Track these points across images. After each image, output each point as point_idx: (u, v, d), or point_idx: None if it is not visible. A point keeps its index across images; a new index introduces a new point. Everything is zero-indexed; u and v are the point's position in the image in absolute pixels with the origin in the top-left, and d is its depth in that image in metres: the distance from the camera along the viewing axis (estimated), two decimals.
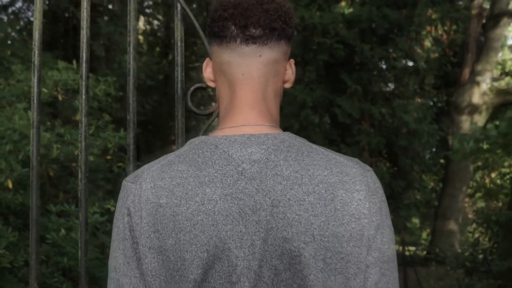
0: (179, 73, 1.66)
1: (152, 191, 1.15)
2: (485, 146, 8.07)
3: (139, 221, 1.14)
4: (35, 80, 1.60)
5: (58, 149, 6.18)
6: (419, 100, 12.17)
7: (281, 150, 1.16)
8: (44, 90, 6.61)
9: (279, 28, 1.22)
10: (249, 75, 1.22)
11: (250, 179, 1.13)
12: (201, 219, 1.11)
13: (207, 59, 1.32)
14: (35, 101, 1.60)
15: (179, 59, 1.66)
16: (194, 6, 12.86)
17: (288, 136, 1.19)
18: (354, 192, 1.14)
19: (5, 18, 12.44)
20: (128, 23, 1.65)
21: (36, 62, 1.60)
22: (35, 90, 1.60)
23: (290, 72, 1.29)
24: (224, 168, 1.14)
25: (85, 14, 1.63)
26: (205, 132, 1.58)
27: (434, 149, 13.64)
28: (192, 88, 1.62)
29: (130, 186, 1.19)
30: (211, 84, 1.31)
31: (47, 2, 11.24)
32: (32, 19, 12.82)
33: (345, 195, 1.13)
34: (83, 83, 1.61)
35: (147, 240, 1.13)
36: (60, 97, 6.82)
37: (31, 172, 1.64)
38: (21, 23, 12.67)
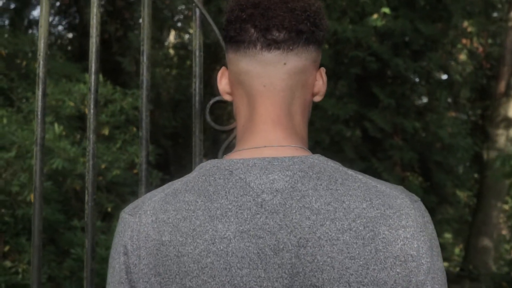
0: (197, 85, 1.51)
1: (153, 226, 0.97)
2: None
3: (137, 261, 0.96)
4: (39, 93, 1.46)
5: (84, 163, 6.13)
6: (453, 114, 11.92)
7: (309, 177, 0.96)
8: (71, 103, 6.57)
9: (308, 31, 1.02)
10: (271, 87, 1.03)
11: (271, 212, 0.94)
12: (211, 262, 0.93)
13: (223, 68, 1.12)
14: (39, 115, 1.47)
15: (197, 69, 1.50)
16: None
17: (319, 160, 0.99)
18: (400, 229, 0.93)
19: (36, 33, 12.54)
20: (142, 30, 1.50)
21: (40, 74, 1.47)
22: (39, 103, 1.46)
23: (320, 82, 1.09)
24: (240, 199, 0.95)
25: (94, 21, 1.49)
26: (225, 151, 1.43)
27: (468, 164, 13.37)
28: (211, 101, 1.46)
29: (128, 219, 1.01)
30: (228, 98, 1.12)
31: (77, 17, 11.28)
32: (62, 33, 12.93)
33: (389, 232, 0.93)
34: (92, 96, 1.46)
35: (146, 285, 0.94)
36: (86, 111, 6.77)
37: (34, 184, 1.50)
38: (52, 37, 12.76)
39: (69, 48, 12.59)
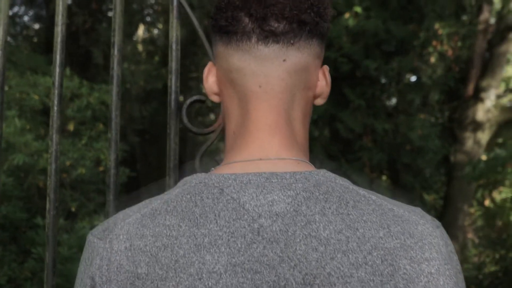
0: (173, 82, 1.36)
1: (127, 254, 0.80)
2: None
3: None
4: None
5: (48, 159, 5.94)
6: (422, 116, 11.94)
7: (316, 198, 0.80)
8: (36, 97, 6.37)
9: (311, 22, 0.86)
10: (268, 87, 0.87)
11: (270, 241, 0.78)
12: None
13: (209, 64, 0.96)
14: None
15: (173, 64, 1.36)
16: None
17: (325, 177, 0.83)
18: (423, 263, 0.78)
19: None
20: (113, 20, 1.36)
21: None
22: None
23: (324, 83, 0.93)
24: (232, 224, 0.79)
25: (60, 7, 1.34)
26: (203, 158, 1.29)
27: (435, 166, 13.40)
28: (188, 101, 1.32)
29: (97, 244, 0.84)
30: (215, 99, 0.95)
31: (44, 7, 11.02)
32: (28, 24, 12.62)
33: (410, 267, 0.77)
34: (56, 91, 1.31)
35: None
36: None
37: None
38: (17, 28, 12.43)
39: (35, 39, 12.30)
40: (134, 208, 0.88)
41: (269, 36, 0.86)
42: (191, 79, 14.16)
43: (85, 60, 10.50)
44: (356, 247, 0.77)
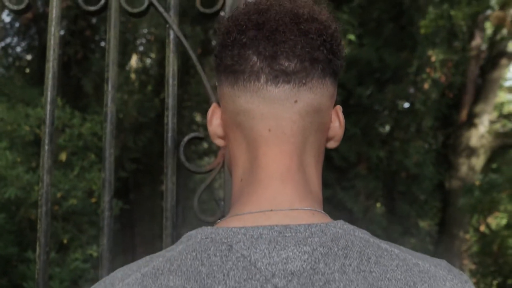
0: (169, 119, 1.30)
1: None
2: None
3: None
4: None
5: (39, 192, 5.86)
6: (416, 143, 11.94)
7: (334, 254, 0.73)
8: (26, 128, 6.31)
9: (324, 60, 0.80)
10: (279, 131, 0.80)
11: None
12: None
13: (213, 106, 0.88)
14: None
15: (170, 100, 1.29)
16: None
17: (343, 229, 0.76)
18: None
19: None
20: (107, 53, 1.30)
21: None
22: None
23: (336, 124, 0.86)
24: (243, 285, 0.71)
25: (52, 42, 1.28)
26: (200, 198, 1.22)
27: (430, 193, 13.37)
28: (186, 139, 1.26)
29: None
30: (219, 143, 0.87)
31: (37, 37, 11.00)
32: (21, 55, 12.59)
33: None
34: (47, 130, 1.25)
35: None
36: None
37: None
38: (10, 59, 12.39)
39: (28, 70, 12.25)
40: (134, 266, 0.78)
41: (279, 75, 0.80)
42: (184, 108, 14.13)
43: (77, 89, 10.46)
44: None
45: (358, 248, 0.75)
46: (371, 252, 0.75)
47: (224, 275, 0.72)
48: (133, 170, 12.83)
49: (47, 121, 1.25)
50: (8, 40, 13.04)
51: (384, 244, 0.77)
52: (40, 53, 11.26)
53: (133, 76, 14.61)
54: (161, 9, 1.29)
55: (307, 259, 0.73)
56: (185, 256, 0.75)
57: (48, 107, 1.25)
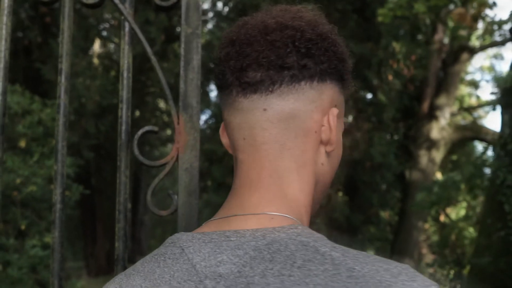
0: (123, 112, 1.28)
1: None
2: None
3: None
4: None
5: None
6: (378, 133, 12.06)
7: (262, 258, 0.74)
8: None
9: (294, 66, 0.81)
10: (252, 140, 0.84)
11: None
12: None
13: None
14: None
15: (124, 93, 1.28)
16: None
17: (286, 233, 0.76)
18: None
19: None
20: (60, 44, 1.28)
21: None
22: None
23: (327, 128, 0.86)
24: (182, 286, 0.75)
25: (4, 32, 1.26)
26: (158, 192, 1.22)
27: (390, 183, 13.52)
28: (140, 132, 1.25)
29: None
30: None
31: None
32: None
33: None
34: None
35: None
36: None
37: None
38: None
39: None
40: (131, 267, 0.85)
41: (246, 87, 0.83)
42: (147, 94, 14.00)
43: (37, 75, 10.28)
44: None
45: (289, 253, 0.74)
46: (300, 257, 0.74)
47: (170, 276, 0.77)
48: (94, 155, 12.71)
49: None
50: None
51: (325, 249, 0.75)
52: None
53: (96, 61, 14.43)
54: (116, 0, 1.27)
55: (237, 262, 0.75)
56: (150, 258, 0.82)
57: (0, 97, 1.23)
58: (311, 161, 0.85)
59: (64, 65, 1.27)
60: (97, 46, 14.76)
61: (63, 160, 1.26)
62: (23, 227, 6.21)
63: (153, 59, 1.27)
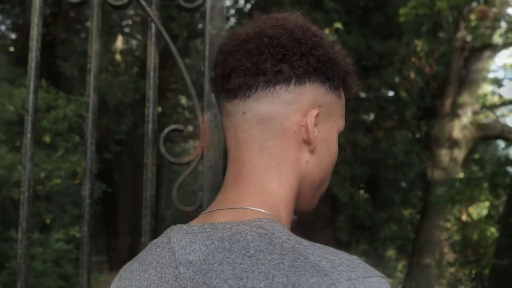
0: (150, 111, 1.33)
1: None
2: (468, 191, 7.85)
3: None
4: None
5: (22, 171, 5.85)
6: (400, 131, 12.00)
7: (223, 247, 0.82)
8: (11, 108, 6.29)
9: (269, 71, 0.88)
10: (236, 141, 0.93)
11: (182, 287, 0.83)
12: None
13: None
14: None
15: (151, 93, 1.33)
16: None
17: (250, 226, 0.83)
18: None
19: None
20: (89, 44, 1.33)
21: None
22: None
23: (306, 128, 0.92)
24: (163, 271, 0.86)
25: (35, 32, 1.31)
26: (179, 189, 1.26)
27: (412, 181, 13.44)
28: (166, 131, 1.29)
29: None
30: None
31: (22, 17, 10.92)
32: (6, 33, 12.48)
33: None
34: (29, 118, 1.28)
35: None
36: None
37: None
38: None
39: (12, 49, 12.17)
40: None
41: (229, 93, 0.92)
42: (169, 90, 14.09)
43: (61, 71, 10.39)
44: None
45: (245, 243, 0.81)
46: (253, 247, 0.80)
47: (157, 262, 0.89)
48: (116, 152, 12.82)
49: (30, 110, 1.28)
50: None
51: (278, 240, 0.81)
52: (25, 32, 11.17)
53: (118, 57, 14.53)
54: (143, 2, 1.31)
55: (204, 251, 0.84)
56: (148, 247, 0.94)
57: (31, 96, 1.28)
58: (292, 159, 0.92)
59: (92, 64, 1.32)
60: (119, 43, 14.86)
61: (91, 157, 1.31)
62: (47, 221, 6.30)
63: (179, 60, 1.32)
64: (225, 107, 0.93)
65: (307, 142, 0.92)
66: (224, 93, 0.92)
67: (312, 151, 0.93)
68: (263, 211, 0.88)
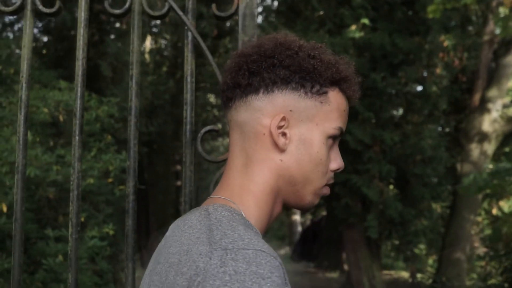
0: (188, 113, 1.43)
1: None
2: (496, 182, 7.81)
3: None
4: (21, 117, 1.38)
5: (57, 171, 5.99)
6: (429, 126, 11.94)
7: (177, 225, 1.04)
8: (45, 110, 6.44)
9: (243, 84, 1.04)
10: (230, 143, 1.11)
11: (158, 252, 1.05)
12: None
13: None
14: (20, 140, 1.38)
15: (188, 96, 1.43)
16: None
17: (203, 208, 1.03)
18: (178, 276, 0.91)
19: (11, 35, 12.27)
20: (131, 53, 1.43)
21: (23, 96, 1.38)
22: (21, 128, 1.38)
23: (270, 131, 1.06)
24: (165, 240, 1.07)
25: (81, 42, 1.41)
26: (215, 184, 1.36)
27: (442, 176, 13.35)
28: (203, 131, 1.39)
29: None
30: None
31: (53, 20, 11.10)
32: (38, 36, 12.70)
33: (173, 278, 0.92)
34: (77, 122, 1.38)
35: None
36: (61, 118, 6.64)
37: (15, 215, 1.41)
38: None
39: (44, 51, 12.38)
40: None
41: (223, 105, 1.10)
42: (198, 89, 14.21)
43: (93, 73, 10.56)
44: (163, 260, 0.98)
45: (188, 221, 1.01)
46: (188, 224, 1.00)
47: (165, 238, 1.07)
48: (146, 151, 12.96)
49: (77, 114, 1.38)
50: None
51: (208, 221, 0.98)
52: (57, 34, 11.35)
53: (147, 57, 14.68)
54: (180, 12, 1.41)
55: (172, 228, 1.06)
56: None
57: (78, 101, 1.38)
58: (264, 158, 1.06)
59: (134, 71, 1.42)
60: (148, 43, 15.01)
61: (135, 156, 1.41)
62: (82, 219, 6.44)
63: (214, 66, 1.41)
64: (225, 114, 1.11)
65: (279, 147, 1.05)
66: (223, 103, 1.10)
67: (283, 151, 1.05)
68: (226, 198, 1.05)
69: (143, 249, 15.11)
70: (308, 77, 1.05)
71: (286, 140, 1.04)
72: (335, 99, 1.09)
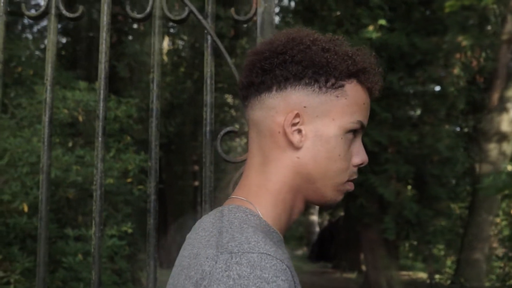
0: (207, 114, 1.46)
1: None
2: None
3: None
4: (46, 118, 1.42)
5: (77, 171, 6.05)
6: (447, 126, 11.89)
7: (199, 225, 1.06)
8: (65, 110, 6.50)
9: (256, 82, 1.04)
10: (248, 142, 1.11)
11: (183, 253, 1.06)
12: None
13: None
14: (45, 142, 1.42)
15: (208, 98, 1.46)
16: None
17: (218, 210, 1.05)
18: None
19: (30, 36, 12.40)
20: (152, 56, 1.47)
21: (48, 99, 1.42)
22: (46, 130, 1.42)
23: (284, 128, 1.06)
24: (185, 241, 1.10)
25: (104, 46, 1.45)
26: (235, 185, 1.39)
27: (460, 176, 13.29)
28: (222, 132, 1.42)
29: None
30: None
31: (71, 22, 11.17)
32: (58, 37, 12.79)
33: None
34: (100, 123, 1.42)
35: None
36: (80, 118, 6.70)
37: (40, 214, 1.45)
38: (46, 41, 12.56)
39: (63, 52, 12.51)
40: None
41: (242, 103, 1.10)
42: (215, 90, 14.21)
43: (112, 73, 10.65)
44: (187, 264, 0.99)
45: (202, 224, 1.05)
46: (202, 226, 1.03)
47: (188, 235, 1.09)
48: (164, 150, 13.01)
49: (100, 116, 1.42)
50: (44, 22, 13.27)
51: (220, 223, 1.00)
52: (75, 36, 11.46)
53: (165, 57, 14.75)
54: (200, 16, 1.45)
55: (193, 228, 1.09)
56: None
57: (101, 104, 1.42)
58: (280, 156, 1.05)
59: (155, 74, 1.46)
60: (165, 44, 15.08)
61: (156, 157, 1.45)
62: None
63: (233, 68, 1.44)
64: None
65: (293, 145, 1.04)
66: (242, 104, 1.10)
67: (298, 148, 1.04)
68: (243, 198, 1.05)
69: (161, 249, 15.19)
70: (321, 71, 1.02)
71: (302, 137, 1.03)
72: (353, 92, 1.06)
